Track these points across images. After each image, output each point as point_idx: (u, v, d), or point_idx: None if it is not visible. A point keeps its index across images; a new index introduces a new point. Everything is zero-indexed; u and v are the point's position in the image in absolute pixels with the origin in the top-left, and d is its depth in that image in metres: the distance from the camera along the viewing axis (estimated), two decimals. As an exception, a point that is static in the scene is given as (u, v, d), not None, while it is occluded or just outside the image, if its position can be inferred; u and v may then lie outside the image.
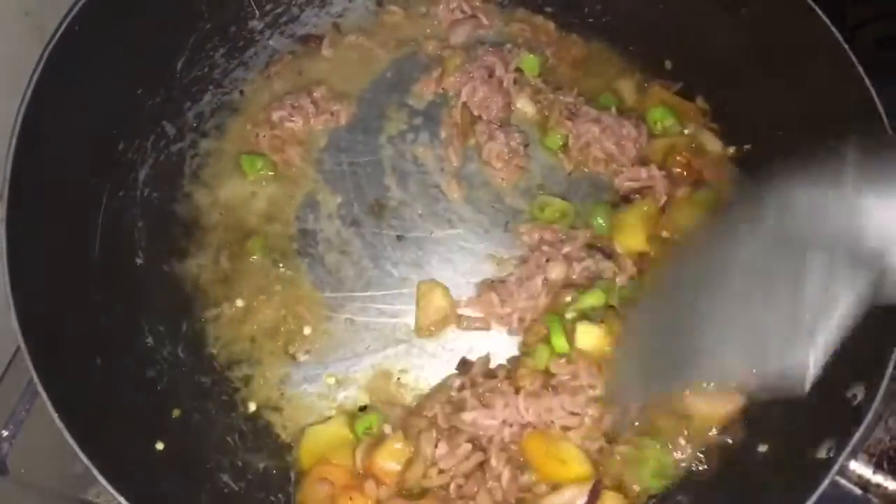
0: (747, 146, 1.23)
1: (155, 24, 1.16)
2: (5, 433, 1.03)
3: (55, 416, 0.88)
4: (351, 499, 1.02)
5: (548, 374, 1.07)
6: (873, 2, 1.40)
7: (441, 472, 1.03)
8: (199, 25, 1.24)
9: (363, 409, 1.10)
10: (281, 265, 1.18)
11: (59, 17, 1.02)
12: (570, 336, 1.08)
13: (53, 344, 0.94)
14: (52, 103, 0.99)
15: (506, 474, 1.03)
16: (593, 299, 1.10)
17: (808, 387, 0.76)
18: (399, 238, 1.21)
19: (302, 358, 1.13)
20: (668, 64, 1.32)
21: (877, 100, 1.01)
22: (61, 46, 1.00)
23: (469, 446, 1.04)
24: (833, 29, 1.06)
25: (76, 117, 1.05)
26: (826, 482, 0.88)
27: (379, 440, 1.05)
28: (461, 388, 1.09)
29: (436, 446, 1.03)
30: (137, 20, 1.12)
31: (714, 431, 1.08)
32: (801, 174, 0.78)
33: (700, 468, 1.07)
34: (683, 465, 1.07)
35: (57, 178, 1.02)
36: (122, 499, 0.87)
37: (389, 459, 1.04)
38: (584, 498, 1.01)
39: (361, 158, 1.26)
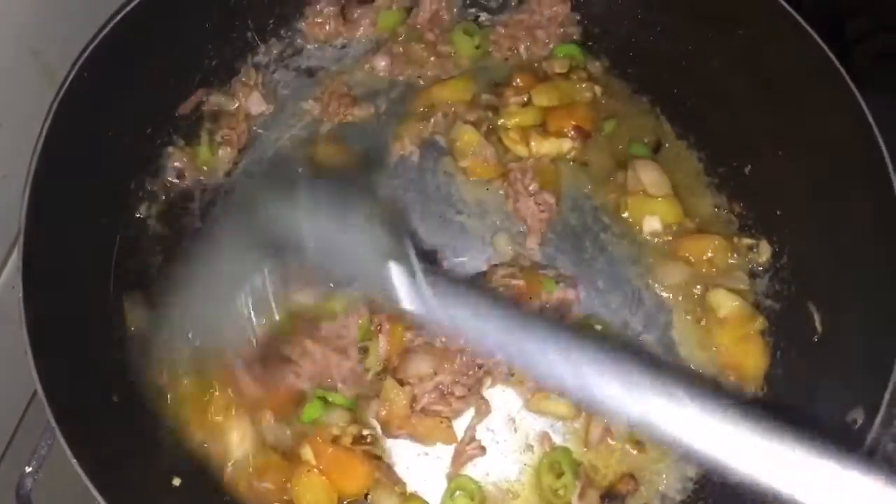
0: (748, 167, 1.24)
1: (163, 63, 1.18)
2: (28, 469, 1.03)
3: (70, 454, 0.90)
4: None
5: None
6: (872, 13, 1.40)
7: None
8: (205, 63, 1.26)
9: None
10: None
11: (67, 56, 1.04)
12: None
13: (70, 382, 0.96)
14: (62, 151, 1.01)
15: None
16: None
17: None
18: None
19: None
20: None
21: (872, 122, 1.01)
22: (70, 95, 1.01)
23: None
24: (828, 52, 1.06)
25: (87, 161, 1.08)
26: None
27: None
28: None
29: None
30: (145, 61, 1.14)
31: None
32: None
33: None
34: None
35: (71, 220, 1.05)
36: (140, 536, 0.88)
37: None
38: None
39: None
